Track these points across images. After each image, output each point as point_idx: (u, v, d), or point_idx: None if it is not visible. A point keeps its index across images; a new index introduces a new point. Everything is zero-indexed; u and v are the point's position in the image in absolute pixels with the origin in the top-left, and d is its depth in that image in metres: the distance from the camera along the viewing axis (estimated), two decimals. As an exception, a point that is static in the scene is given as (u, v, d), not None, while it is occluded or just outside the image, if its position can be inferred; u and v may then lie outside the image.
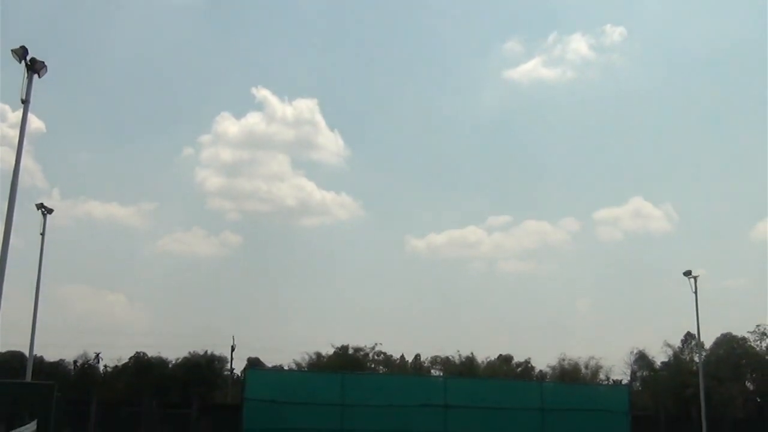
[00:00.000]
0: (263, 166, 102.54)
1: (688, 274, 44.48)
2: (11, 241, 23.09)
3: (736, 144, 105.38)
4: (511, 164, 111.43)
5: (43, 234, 35.81)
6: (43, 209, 36.10)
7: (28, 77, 23.64)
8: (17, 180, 23.81)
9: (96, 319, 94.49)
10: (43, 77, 24.14)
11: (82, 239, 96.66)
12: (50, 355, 64.35)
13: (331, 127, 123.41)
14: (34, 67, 23.69)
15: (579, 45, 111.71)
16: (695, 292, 43.97)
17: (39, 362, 52.53)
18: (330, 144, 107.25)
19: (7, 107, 77.30)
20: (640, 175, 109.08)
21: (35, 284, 35.91)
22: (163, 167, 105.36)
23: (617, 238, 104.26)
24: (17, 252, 60.30)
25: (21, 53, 23.57)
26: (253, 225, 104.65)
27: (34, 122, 78.74)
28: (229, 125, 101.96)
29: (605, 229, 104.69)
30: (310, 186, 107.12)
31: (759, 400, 70.58)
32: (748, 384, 71.74)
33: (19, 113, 24.84)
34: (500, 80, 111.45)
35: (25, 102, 23.71)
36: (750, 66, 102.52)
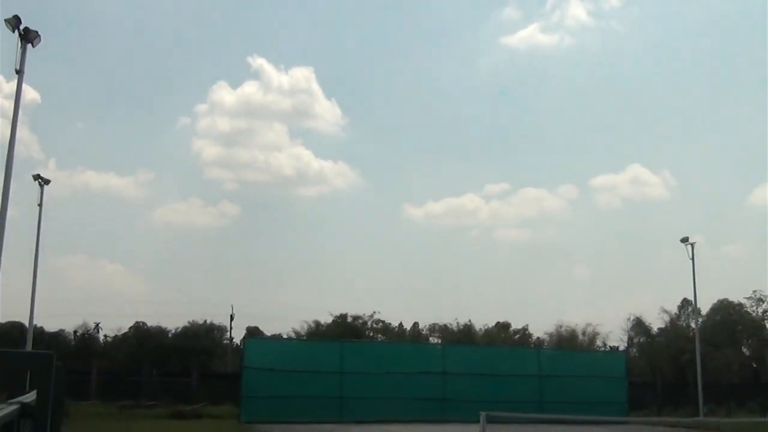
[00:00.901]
0: (260, 136, 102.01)
1: (685, 240, 44.57)
2: (8, 212, 23.11)
3: (735, 110, 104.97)
4: (509, 131, 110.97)
5: (40, 205, 35.76)
6: (40, 180, 36.01)
7: (21, 47, 23.47)
8: (13, 151, 23.75)
9: (95, 290, 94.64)
10: (36, 47, 23.97)
11: (80, 210, 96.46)
12: (50, 326, 64.52)
13: (328, 95, 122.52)
14: (28, 37, 23.50)
15: (577, 11, 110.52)
16: (692, 259, 44.11)
17: (39, 333, 52.72)
18: (327, 113, 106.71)
19: (1, 78, 77.07)
20: (638, 141, 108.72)
21: (33, 255, 35.93)
22: (160, 137, 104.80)
23: (615, 205, 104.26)
24: (15, 223, 60.17)
25: (14, 23, 23.37)
26: (250, 195, 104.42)
27: (29, 93, 78.03)
28: (225, 94, 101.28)
29: (603, 196, 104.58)
30: (307, 155, 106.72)
31: (755, 366, 71.10)
32: (744, 349, 72.21)
33: (14, 84, 24.73)
34: (498, 47, 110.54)
35: (19, 72, 23.56)
36: (750, 31, 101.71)
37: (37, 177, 36.05)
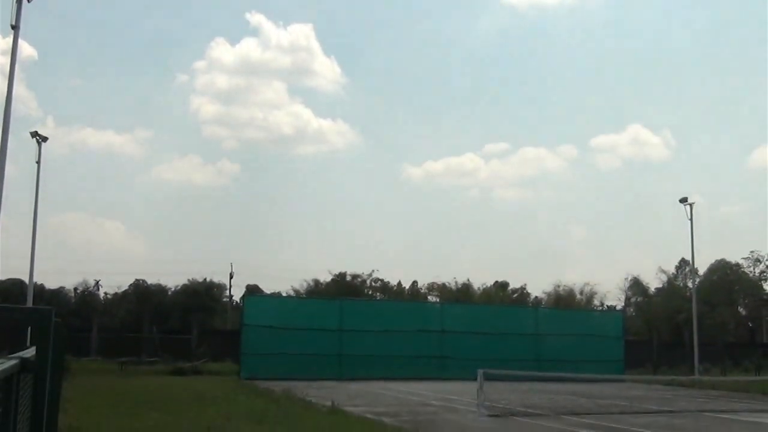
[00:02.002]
0: (259, 94, 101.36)
1: (684, 201, 44.55)
2: (7, 169, 23.04)
3: (736, 70, 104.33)
4: (509, 91, 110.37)
5: (38, 162, 35.64)
6: (38, 137, 35.84)
7: (17, 2, 23.18)
8: (10, 108, 23.61)
9: (94, 248, 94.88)
10: (32, 2, 23.68)
11: (78, 167, 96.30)
12: (50, 283, 64.82)
13: (328, 53, 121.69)
14: (23, -8, 23.21)
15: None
16: (691, 219, 44.11)
17: (39, 290, 52.97)
18: (326, 71, 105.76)
19: (-4, 34, 76.40)
20: (639, 101, 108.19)
21: (33, 212, 35.91)
22: (158, 94, 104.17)
23: (615, 165, 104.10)
24: (14, 181, 60.14)
25: (9, -23, 23.07)
26: (249, 153, 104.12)
27: (26, 49, 77.45)
28: (223, 51, 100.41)
29: (603, 156, 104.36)
30: (306, 113, 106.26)
31: (751, 325, 71.71)
32: (740, 309, 72.69)
33: (10, 40, 24.45)
34: (498, 5, 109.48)
35: (15, 28, 23.29)
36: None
37: (34, 134, 35.87)
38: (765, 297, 70.96)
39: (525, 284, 76.89)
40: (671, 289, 70.15)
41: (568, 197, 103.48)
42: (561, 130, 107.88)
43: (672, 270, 73.32)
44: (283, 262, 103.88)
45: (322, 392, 24.88)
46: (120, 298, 66.32)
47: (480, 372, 19.57)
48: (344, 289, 63.26)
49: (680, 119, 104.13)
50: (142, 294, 64.07)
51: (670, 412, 21.27)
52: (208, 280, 68.75)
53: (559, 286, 72.18)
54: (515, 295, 75.96)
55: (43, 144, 35.97)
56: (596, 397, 26.70)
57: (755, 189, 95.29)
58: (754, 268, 72.46)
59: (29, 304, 32.29)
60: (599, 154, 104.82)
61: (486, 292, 71.75)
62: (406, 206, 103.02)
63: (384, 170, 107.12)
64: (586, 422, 17.60)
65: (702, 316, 51.32)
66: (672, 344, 54.38)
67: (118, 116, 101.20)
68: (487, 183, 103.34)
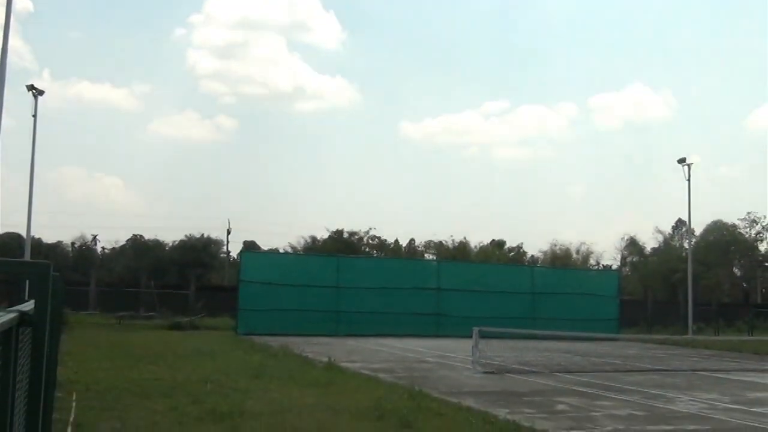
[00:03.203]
0: (257, 49, 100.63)
1: (682, 161, 44.52)
2: (3, 123, 22.94)
3: (737, 30, 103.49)
4: (509, 49, 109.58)
5: (34, 116, 35.46)
6: (34, 91, 35.61)
7: (12, -47, 22.87)
8: (6, 61, 23.42)
9: (92, 202, 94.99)
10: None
11: (75, 121, 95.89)
12: (48, 237, 65.02)
13: (327, 8, 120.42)
14: (18, -58, 22.86)
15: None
16: (688, 180, 44.15)
17: (37, 244, 53.09)
18: (325, 26, 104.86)
19: (-8, -15, 75.11)
20: (639, 60, 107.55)
21: (30, 167, 35.79)
22: (155, 48, 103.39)
23: (614, 124, 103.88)
24: (10, 134, 59.85)
25: (4, -73, 22.71)
26: (247, 109, 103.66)
27: (21, 1, 76.67)
28: (220, 5, 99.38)
29: (603, 114, 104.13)
30: (305, 69, 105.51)
31: (745, 286, 72.16)
32: (735, 270, 73.14)
33: (5, -9, 24.16)
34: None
35: (11, -21, 23.02)
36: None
37: (30, 87, 35.63)
38: (760, 258, 71.36)
39: (522, 243, 77.21)
40: (667, 249, 70.50)
41: (566, 156, 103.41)
42: (561, 88, 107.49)
43: (668, 230, 73.67)
44: (280, 218, 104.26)
45: (319, 348, 25.08)
46: (117, 253, 66.56)
47: (475, 330, 19.72)
48: (341, 247, 63.44)
49: (681, 79, 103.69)
50: (139, 249, 64.28)
51: (663, 370, 21.49)
52: (205, 236, 68.95)
53: (555, 246, 72.52)
54: (512, 254, 76.26)
55: (39, 98, 35.76)
56: (590, 355, 26.96)
57: (753, 150, 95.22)
58: (750, 229, 72.77)
59: (27, 258, 32.35)
60: (599, 113, 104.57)
61: (483, 250, 71.99)
62: (404, 164, 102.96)
63: (382, 127, 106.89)
64: (581, 380, 17.80)
65: (697, 276, 51.63)
66: (667, 304, 54.75)
67: (114, 70, 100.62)
68: (486, 141, 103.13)
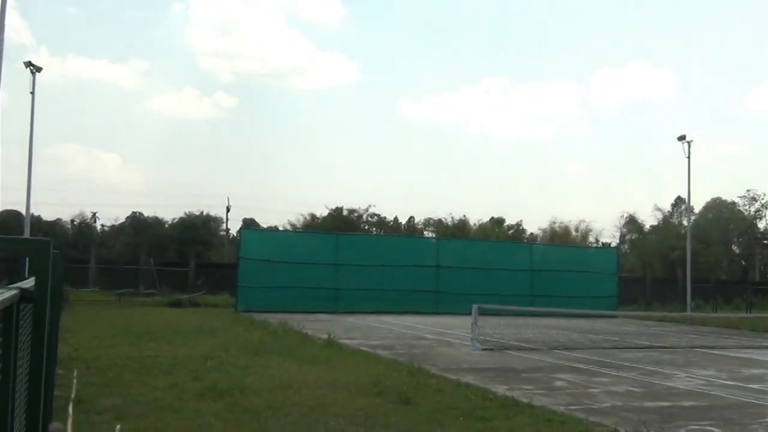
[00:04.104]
0: (256, 25, 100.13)
1: (682, 138, 44.41)
2: (1, 99, 22.85)
3: (739, 7, 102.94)
4: (509, 26, 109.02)
5: (32, 93, 35.29)
6: (32, 67, 35.42)
7: (8, -72, 22.66)
8: (2, 37, 23.27)
9: (91, 180, 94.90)
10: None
11: (74, 98, 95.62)
12: (48, 215, 65.00)
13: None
14: None
15: None
16: (688, 157, 44.06)
17: (36, 221, 53.07)
18: (325, 3, 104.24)
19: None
20: (640, 37, 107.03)
21: (28, 144, 35.71)
22: (153, 24, 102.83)
23: (614, 102, 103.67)
24: (8, 111, 59.67)
25: None
26: (246, 86, 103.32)
27: (18, -23, 76.11)
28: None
29: (603, 92, 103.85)
30: (305, 46, 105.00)
31: (744, 263, 72.25)
32: (734, 247, 73.21)
33: (1, -33, 23.95)
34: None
35: (7, -46, 22.84)
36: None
37: (28, 64, 35.44)
38: (759, 235, 71.41)
39: (521, 220, 77.21)
40: (666, 226, 70.50)
41: (566, 134, 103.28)
42: (561, 65, 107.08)
43: (668, 208, 73.66)
44: (280, 195, 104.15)
45: (318, 325, 25.19)
46: (117, 231, 66.54)
47: (474, 307, 19.79)
48: (341, 224, 63.46)
49: (682, 57, 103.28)
50: (139, 226, 64.24)
51: (661, 347, 21.59)
52: (204, 213, 68.97)
53: (554, 223, 72.50)
54: (511, 231, 76.28)
55: (37, 74, 35.59)
56: (589, 332, 27.07)
57: (753, 128, 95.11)
58: (749, 207, 72.80)
59: (26, 235, 32.38)
60: (600, 91, 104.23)
61: (482, 227, 72.04)
62: (403, 141, 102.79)
63: (382, 105, 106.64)
64: (579, 357, 17.89)
65: (696, 253, 51.69)
66: (665, 281, 54.86)
67: (112, 47, 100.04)
68: (486, 119, 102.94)
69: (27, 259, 3.18)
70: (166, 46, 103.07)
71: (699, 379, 14.43)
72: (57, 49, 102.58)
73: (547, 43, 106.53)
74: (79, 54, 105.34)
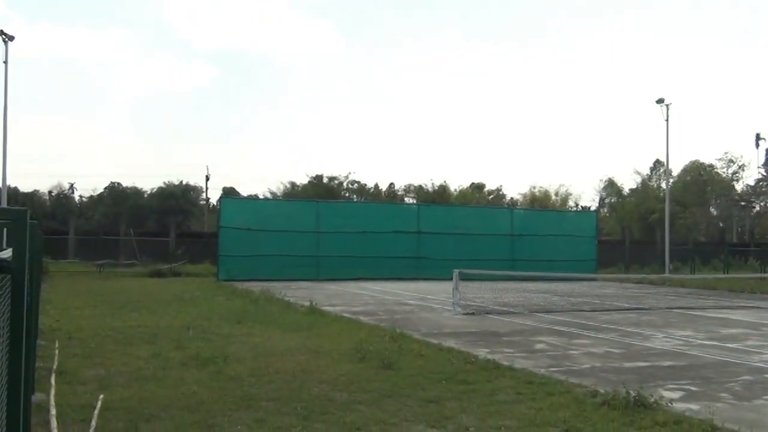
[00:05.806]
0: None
1: (660, 101, 44.58)
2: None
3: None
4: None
5: (5, 62, 34.81)
6: (4, 36, 34.89)
7: None
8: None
9: (68, 150, 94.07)
10: None
11: (49, 67, 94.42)
12: (24, 186, 64.43)
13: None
14: None
15: None
16: (667, 120, 44.28)
17: (13, 193, 52.58)
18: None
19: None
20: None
21: (2, 114, 35.26)
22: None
23: (593, 65, 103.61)
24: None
25: None
26: (227, 55, 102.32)
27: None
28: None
29: (581, 54, 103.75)
30: (286, 13, 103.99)
31: (721, 225, 73.02)
32: (712, 209, 73.90)
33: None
34: None
35: None
36: None
37: (0, 33, 34.90)
38: (736, 197, 72.10)
39: (501, 186, 77.60)
40: (645, 189, 71.00)
41: (545, 98, 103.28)
42: (539, 23, 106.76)
43: (646, 171, 74.11)
44: (259, 164, 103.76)
45: (300, 293, 25.25)
46: (95, 201, 66.08)
47: (455, 272, 19.89)
48: (321, 192, 63.41)
49: (660, 18, 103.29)
50: (117, 197, 63.84)
51: (640, 309, 21.83)
52: (184, 182, 68.62)
53: (534, 188, 72.86)
54: (491, 197, 76.61)
55: (9, 43, 35.06)
56: (569, 295, 27.33)
57: (731, 91, 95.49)
58: (727, 169, 73.37)
59: (3, 206, 32.09)
60: (577, 53, 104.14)
61: (462, 193, 72.25)
62: (382, 108, 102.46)
63: (363, 71, 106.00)
64: (559, 319, 18.06)
65: (674, 216, 52.18)
66: (644, 244, 55.37)
67: (89, 15, 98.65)
68: (464, 84, 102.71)
69: (4, 230, 3.14)
70: (144, 14, 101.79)
71: (677, 339, 14.62)
72: (31, 17, 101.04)
73: (527, 7, 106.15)
74: (54, 23, 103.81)
